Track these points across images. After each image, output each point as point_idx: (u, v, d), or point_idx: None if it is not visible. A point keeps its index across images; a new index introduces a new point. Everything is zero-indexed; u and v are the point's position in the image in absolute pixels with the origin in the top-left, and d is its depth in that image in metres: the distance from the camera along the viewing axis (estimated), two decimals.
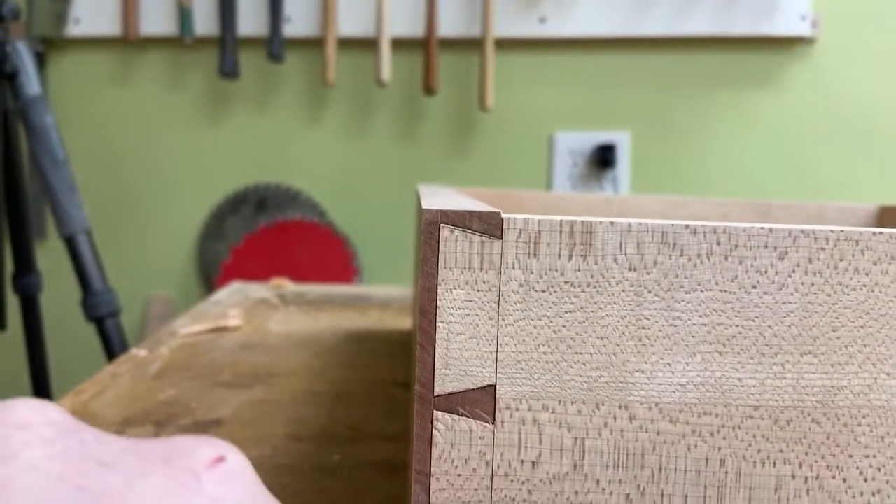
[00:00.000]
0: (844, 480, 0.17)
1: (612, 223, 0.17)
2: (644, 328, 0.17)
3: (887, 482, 0.18)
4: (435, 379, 0.17)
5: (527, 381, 0.17)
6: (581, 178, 1.18)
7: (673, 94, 1.17)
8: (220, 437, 0.33)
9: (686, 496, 0.17)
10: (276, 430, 0.35)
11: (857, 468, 0.17)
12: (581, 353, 0.17)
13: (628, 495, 0.17)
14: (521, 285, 0.17)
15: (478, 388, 0.17)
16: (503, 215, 0.17)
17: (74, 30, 1.22)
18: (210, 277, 1.24)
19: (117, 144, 1.26)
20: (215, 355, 0.48)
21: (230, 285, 0.75)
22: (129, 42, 1.21)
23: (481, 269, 0.17)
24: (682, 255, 0.17)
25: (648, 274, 0.17)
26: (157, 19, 1.20)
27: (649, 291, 0.17)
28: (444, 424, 0.17)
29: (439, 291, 0.17)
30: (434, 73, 1.14)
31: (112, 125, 1.26)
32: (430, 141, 1.22)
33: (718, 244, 0.17)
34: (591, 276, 0.17)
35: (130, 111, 1.25)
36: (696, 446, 0.17)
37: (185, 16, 1.18)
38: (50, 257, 1.21)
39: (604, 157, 1.15)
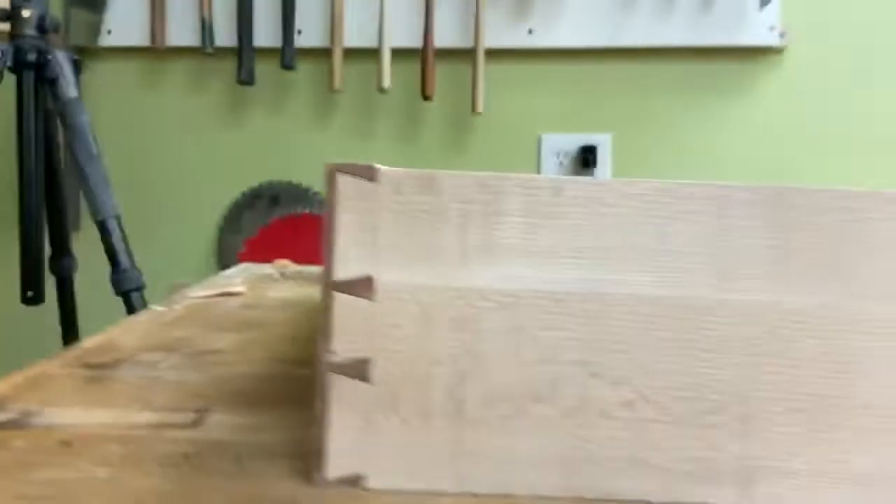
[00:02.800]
0: None
1: (449, 174, 0.26)
2: (467, 240, 0.26)
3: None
4: (334, 270, 0.26)
5: (396, 271, 0.26)
6: (566, 175, 1.27)
7: (651, 100, 1.26)
8: (216, 362, 0.43)
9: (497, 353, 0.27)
10: (261, 356, 0.45)
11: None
12: (430, 257, 0.26)
13: (459, 348, 0.27)
14: (389, 210, 0.26)
15: (363, 277, 0.27)
16: (377, 166, 0.26)
17: (107, 40, 1.35)
18: (228, 267, 1.35)
19: (145, 145, 1.38)
20: (220, 311, 0.58)
21: (240, 265, 0.85)
22: (156, 51, 1.33)
23: (364, 199, 0.26)
24: (497, 194, 0.26)
25: (472, 205, 0.26)
26: (181, 31, 1.32)
27: (472, 215, 0.26)
28: (342, 301, 0.27)
29: (336, 213, 0.26)
30: (431, 80, 1.24)
31: (141, 128, 1.38)
32: (428, 142, 1.32)
33: (536, 193, 0.26)
34: (436, 206, 0.26)
35: (157, 115, 1.37)
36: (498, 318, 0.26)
37: (206, 28, 1.30)
38: (83, 247, 1.34)
39: (586, 158, 1.24)
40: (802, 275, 0.26)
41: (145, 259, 1.40)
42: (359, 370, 0.27)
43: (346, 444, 0.27)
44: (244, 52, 1.27)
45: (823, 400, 0.26)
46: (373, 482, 0.27)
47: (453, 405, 0.27)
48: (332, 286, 0.26)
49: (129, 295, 0.85)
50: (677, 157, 1.26)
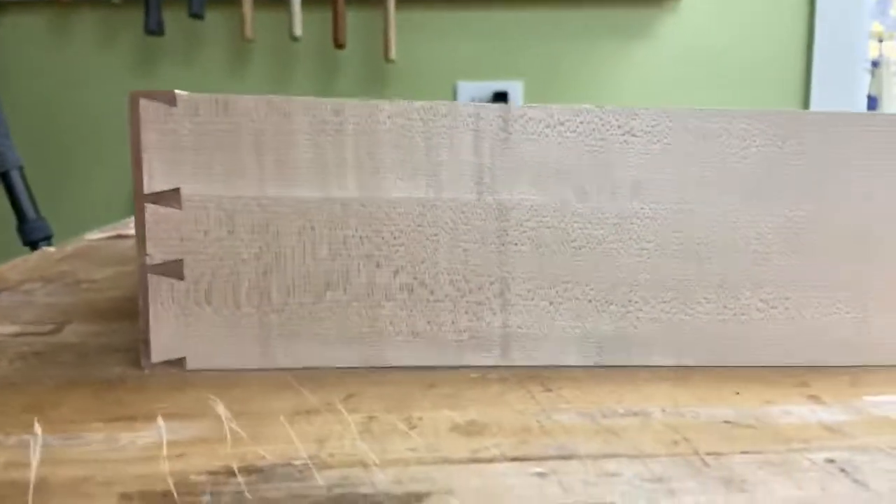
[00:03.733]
0: None
1: (240, 97, 0.30)
2: (262, 154, 0.31)
3: None
4: (143, 183, 0.30)
5: (199, 184, 0.31)
6: None
7: (559, 46, 1.30)
8: (90, 288, 0.47)
9: (294, 250, 0.31)
10: (135, 283, 0.49)
11: None
12: (230, 171, 0.31)
13: (260, 247, 0.31)
14: (189, 130, 0.30)
15: (170, 189, 0.31)
16: (176, 92, 0.30)
17: None
18: None
19: (56, 99, 1.36)
20: (109, 250, 0.61)
21: None
22: (62, 4, 1.30)
23: (165, 122, 0.30)
24: (280, 115, 0.31)
25: (264, 125, 0.31)
26: None
27: (264, 133, 0.31)
28: (152, 211, 0.31)
29: (142, 135, 0.30)
30: (342, 28, 1.25)
31: (51, 81, 1.35)
32: (344, 91, 1.33)
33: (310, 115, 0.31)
34: (230, 125, 0.31)
35: (68, 68, 1.35)
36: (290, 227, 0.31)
37: None
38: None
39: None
40: (535, 181, 0.31)
41: (63, 211, 1.40)
42: (173, 269, 0.31)
43: (166, 333, 0.31)
44: (151, 1, 1.26)
45: (561, 278, 0.32)
46: (191, 363, 0.31)
47: (259, 296, 0.31)
48: (143, 199, 0.31)
49: (37, 245, 0.87)
50: (585, 101, 1.31)
